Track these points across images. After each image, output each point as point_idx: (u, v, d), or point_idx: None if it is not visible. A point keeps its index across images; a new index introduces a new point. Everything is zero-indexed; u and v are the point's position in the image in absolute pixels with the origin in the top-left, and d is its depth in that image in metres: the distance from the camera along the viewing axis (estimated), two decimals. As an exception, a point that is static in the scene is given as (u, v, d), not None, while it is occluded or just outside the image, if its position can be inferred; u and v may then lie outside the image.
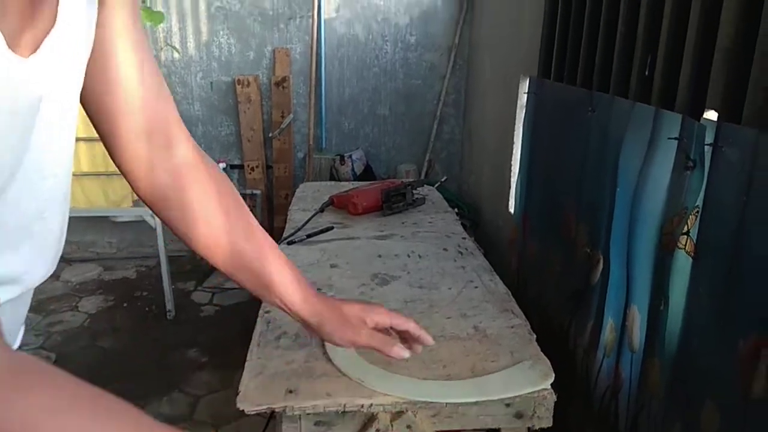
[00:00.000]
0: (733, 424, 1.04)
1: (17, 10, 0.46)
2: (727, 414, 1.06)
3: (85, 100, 0.63)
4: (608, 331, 1.52)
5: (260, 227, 0.75)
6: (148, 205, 0.70)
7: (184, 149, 0.69)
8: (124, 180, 2.00)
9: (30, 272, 0.58)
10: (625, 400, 1.42)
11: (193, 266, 3.08)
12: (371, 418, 0.77)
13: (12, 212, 0.52)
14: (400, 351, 0.75)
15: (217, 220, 0.69)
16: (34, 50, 0.49)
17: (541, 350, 0.83)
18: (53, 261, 0.62)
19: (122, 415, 0.45)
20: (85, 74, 0.59)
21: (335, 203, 1.67)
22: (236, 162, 3.16)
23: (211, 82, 3.05)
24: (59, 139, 0.56)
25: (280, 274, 0.73)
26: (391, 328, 0.79)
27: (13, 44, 0.46)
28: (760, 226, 0.99)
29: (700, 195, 1.15)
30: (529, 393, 0.81)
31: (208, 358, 2.31)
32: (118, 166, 0.67)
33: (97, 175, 2.45)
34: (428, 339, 0.79)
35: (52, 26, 0.51)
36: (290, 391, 0.81)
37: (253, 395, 0.81)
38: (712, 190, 1.11)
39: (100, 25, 0.59)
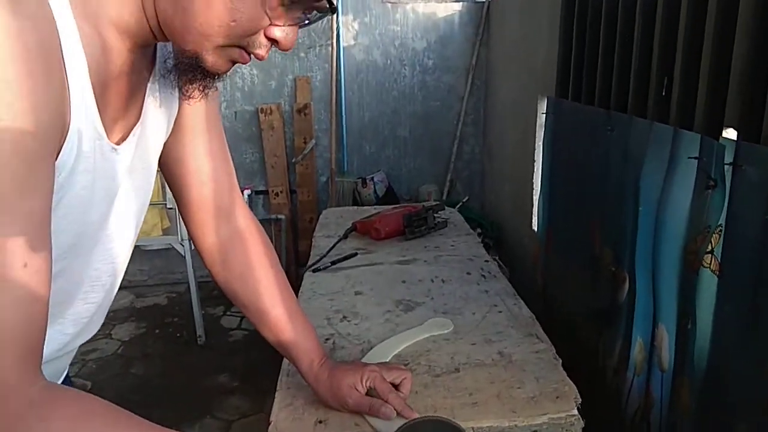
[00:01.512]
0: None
1: (115, 106, 0.57)
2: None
3: (163, 169, 0.75)
4: (637, 350, 1.51)
5: (291, 292, 0.86)
6: (205, 263, 0.83)
7: (242, 216, 0.83)
8: (154, 210, 2.13)
9: (81, 335, 0.68)
10: (657, 421, 1.41)
11: (221, 291, 3.13)
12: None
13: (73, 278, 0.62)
14: (387, 412, 0.80)
15: (252, 285, 0.82)
16: (123, 139, 0.60)
17: (570, 370, 0.84)
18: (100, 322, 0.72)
19: None
20: (165, 148, 0.71)
21: (358, 229, 1.70)
22: (261, 188, 3.22)
23: (236, 112, 3.13)
24: (126, 222, 0.67)
25: (296, 340, 0.83)
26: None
27: (108, 133, 0.56)
28: (784, 245, 0.99)
29: (722, 213, 1.15)
30: (555, 419, 0.81)
31: (238, 382, 2.34)
32: (188, 227, 0.81)
33: (128, 206, 2.53)
34: (405, 392, 0.85)
35: (138, 120, 0.62)
36: (320, 422, 0.83)
37: (283, 425, 0.84)
38: (735, 209, 1.11)
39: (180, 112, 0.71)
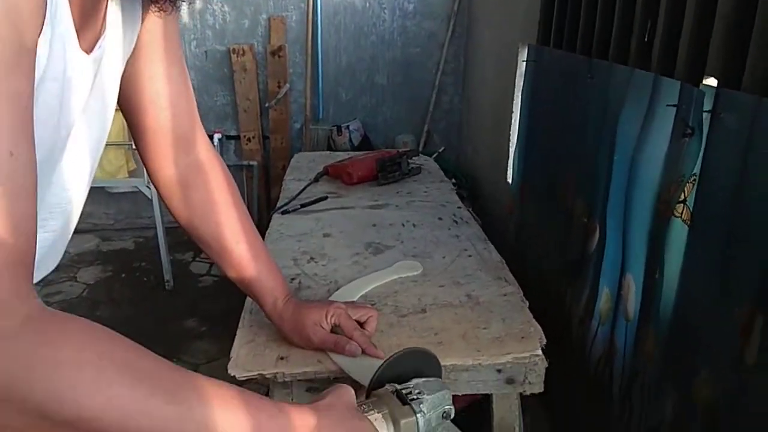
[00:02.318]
0: (726, 392, 1.05)
1: (78, 13, 0.52)
2: (720, 381, 1.07)
3: (119, 95, 0.69)
4: (603, 300, 1.52)
5: (254, 228, 0.82)
6: (162, 197, 0.79)
7: (203, 149, 0.78)
8: (119, 150, 2.05)
9: (40, 268, 0.63)
10: (620, 368, 1.43)
11: (183, 230, 3.08)
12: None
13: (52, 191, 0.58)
14: (353, 349, 0.78)
15: (214, 220, 0.77)
16: (92, 49, 0.55)
17: (536, 318, 0.83)
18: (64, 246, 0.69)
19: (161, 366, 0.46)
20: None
21: (330, 173, 1.65)
22: (232, 133, 3.13)
23: (206, 51, 3.00)
24: (87, 146, 0.63)
25: (260, 277, 0.80)
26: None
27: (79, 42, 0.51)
28: (757, 194, 0.98)
29: (697, 162, 1.14)
30: (520, 358, 0.81)
31: (206, 327, 2.32)
32: (142, 157, 0.76)
33: (92, 145, 2.43)
34: (370, 330, 0.84)
35: (101, 33, 0.57)
36: (281, 358, 0.81)
37: (244, 362, 0.81)
38: (710, 157, 1.10)
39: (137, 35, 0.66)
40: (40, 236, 0.61)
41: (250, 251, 0.80)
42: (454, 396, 1.57)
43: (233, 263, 0.79)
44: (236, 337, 0.87)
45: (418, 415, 0.59)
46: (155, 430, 0.42)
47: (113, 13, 0.59)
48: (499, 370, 0.81)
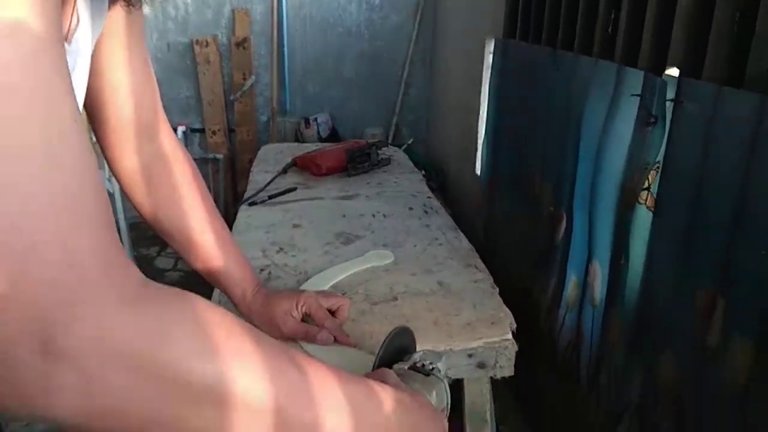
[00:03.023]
0: (689, 372, 1.08)
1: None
2: (684, 362, 1.10)
3: None
4: (571, 288, 1.55)
5: (221, 218, 0.80)
6: (124, 189, 0.76)
7: (167, 138, 0.76)
8: None
9: None
10: (587, 353, 1.46)
11: (154, 232, 3.01)
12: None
13: None
14: (324, 337, 0.77)
15: (178, 209, 0.75)
16: (69, 42, 0.53)
17: (508, 304, 0.84)
18: None
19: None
20: None
21: (298, 164, 1.64)
22: (197, 126, 3.07)
23: (168, 44, 2.93)
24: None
25: (227, 268, 0.78)
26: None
27: None
28: (717, 180, 1.01)
29: (661, 150, 1.16)
30: (490, 343, 0.81)
31: (172, 324, 2.28)
32: (103, 149, 0.72)
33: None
34: (342, 318, 0.83)
35: (74, 23, 0.54)
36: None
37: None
38: (673, 145, 1.13)
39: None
40: None
41: (217, 242, 0.77)
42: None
43: (199, 255, 0.77)
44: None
45: (445, 381, 0.61)
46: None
47: (82, 6, 0.57)
48: (470, 355, 0.81)
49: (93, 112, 0.70)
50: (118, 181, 0.76)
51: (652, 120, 1.18)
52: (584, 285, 1.47)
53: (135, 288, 0.32)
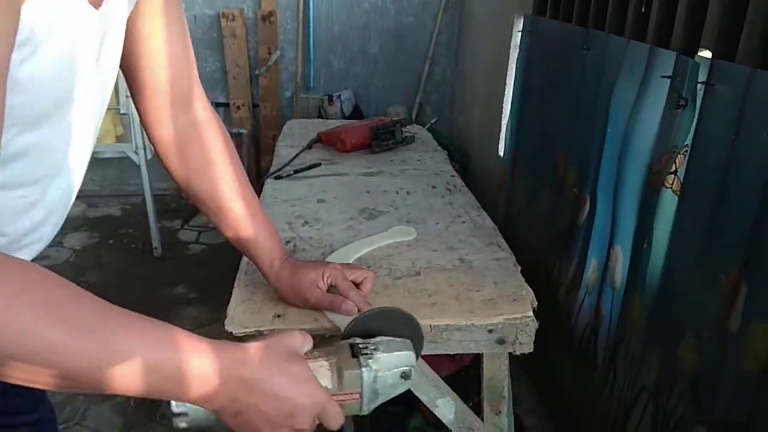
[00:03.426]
0: (709, 357, 1.08)
1: None
2: (703, 346, 1.10)
3: None
4: (591, 271, 1.55)
5: (251, 189, 0.82)
6: (159, 155, 0.78)
7: (201, 107, 0.78)
8: (107, 115, 2.01)
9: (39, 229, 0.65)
10: (605, 336, 1.47)
11: (178, 205, 3.06)
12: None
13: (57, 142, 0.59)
14: (349, 308, 0.78)
15: (211, 178, 0.77)
16: (99, 4, 0.56)
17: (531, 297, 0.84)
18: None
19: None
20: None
21: (323, 140, 1.65)
22: (221, 100, 3.09)
23: (195, 15, 2.95)
24: (106, 88, 0.65)
25: (257, 237, 0.80)
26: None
27: None
28: (746, 164, 1.00)
29: (689, 134, 1.15)
30: (511, 319, 0.82)
31: (195, 294, 2.33)
32: (140, 115, 0.75)
33: (79, 109, 2.39)
34: (366, 290, 0.84)
35: None
36: (278, 316, 0.82)
37: (241, 318, 0.82)
38: (702, 129, 1.11)
39: None
40: (50, 192, 0.62)
41: (247, 210, 0.79)
42: (445, 356, 1.59)
43: (229, 223, 0.79)
44: (232, 295, 0.88)
45: (364, 369, 0.59)
46: (75, 366, 0.44)
47: None
48: (490, 331, 0.83)
49: (131, 78, 0.73)
50: (155, 148, 0.78)
51: (683, 102, 1.17)
52: (605, 268, 1.47)
53: None
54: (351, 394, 0.59)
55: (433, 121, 2.39)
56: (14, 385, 0.83)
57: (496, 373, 0.89)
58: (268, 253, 0.81)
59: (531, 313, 0.83)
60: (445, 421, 0.88)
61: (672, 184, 1.20)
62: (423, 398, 0.86)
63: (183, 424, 0.56)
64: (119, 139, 2.56)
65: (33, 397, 0.86)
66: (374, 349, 0.61)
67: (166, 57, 0.71)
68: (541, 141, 1.90)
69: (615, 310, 1.42)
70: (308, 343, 0.61)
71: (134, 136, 2.46)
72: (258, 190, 1.36)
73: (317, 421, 0.58)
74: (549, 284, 1.77)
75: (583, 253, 1.58)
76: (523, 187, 2.06)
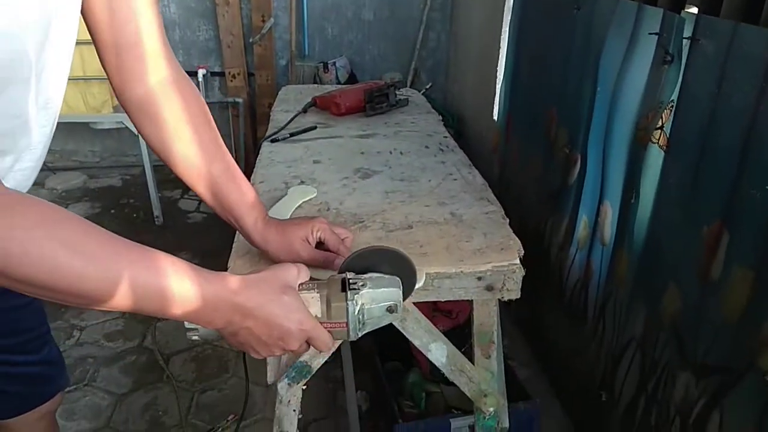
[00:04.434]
0: (691, 304, 1.12)
1: None
2: (687, 295, 1.15)
3: (84, 8, 0.68)
4: (582, 228, 1.59)
5: (226, 150, 0.80)
6: (133, 120, 0.76)
7: (171, 68, 0.75)
8: (103, 85, 2.05)
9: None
10: (594, 290, 1.51)
11: (165, 163, 3.08)
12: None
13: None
14: (340, 263, 0.78)
15: (187, 139, 0.75)
16: None
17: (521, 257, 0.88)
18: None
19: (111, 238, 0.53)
20: None
21: (318, 104, 1.67)
22: (216, 69, 3.09)
23: (188, -17, 2.92)
24: (66, 47, 0.65)
25: (238, 198, 0.79)
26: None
27: None
28: (729, 118, 1.03)
29: (676, 89, 1.17)
30: (499, 267, 0.86)
31: (197, 261, 2.32)
32: (110, 77, 0.73)
33: (75, 79, 2.39)
34: (348, 247, 0.85)
35: None
36: (276, 266, 0.85)
37: (241, 269, 0.86)
38: (688, 84, 1.14)
39: None
40: (39, 132, 0.65)
41: (226, 173, 0.77)
42: (441, 314, 1.64)
43: (209, 187, 0.77)
44: (232, 249, 0.91)
45: (349, 302, 0.64)
46: (94, 293, 0.50)
47: None
48: (479, 278, 0.86)
49: (97, 37, 0.70)
50: (127, 112, 0.75)
51: (669, 58, 1.19)
52: (595, 225, 1.51)
53: None
54: (338, 323, 0.64)
55: (428, 86, 2.40)
56: (22, 326, 0.88)
57: (485, 319, 0.93)
58: (250, 212, 0.80)
59: (518, 261, 0.87)
60: (438, 364, 0.93)
61: (659, 139, 1.23)
62: (416, 342, 0.90)
63: (195, 337, 0.65)
64: (116, 109, 2.57)
65: (39, 338, 0.92)
66: (362, 285, 0.65)
67: (132, 12, 0.69)
68: (534, 103, 1.92)
69: (604, 265, 1.47)
70: (304, 276, 0.65)
71: (114, 92, 2.46)
72: (254, 154, 1.39)
73: (308, 345, 0.64)
74: (542, 244, 1.81)
75: (575, 210, 1.62)
76: (517, 150, 2.09)
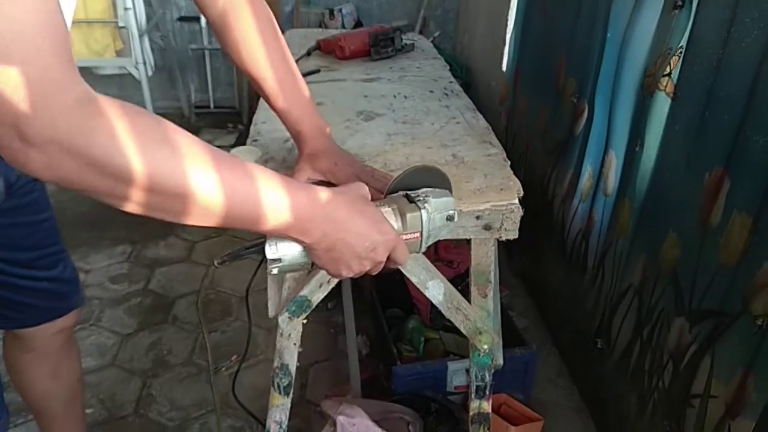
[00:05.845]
0: (690, 252, 1.13)
1: None
2: (686, 243, 1.15)
3: None
4: (586, 179, 1.58)
5: (292, 60, 0.86)
6: (215, 34, 0.83)
7: None
8: (106, 29, 2.04)
9: None
10: (595, 241, 1.52)
11: (181, 123, 3.07)
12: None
13: None
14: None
15: (257, 45, 0.82)
16: None
17: (520, 203, 0.87)
18: None
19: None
20: None
21: (322, 48, 1.64)
22: (222, 15, 3.03)
23: (192, -76, 2.84)
24: None
25: (298, 100, 0.87)
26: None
27: None
28: (738, 63, 1.01)
29: (685, 35, 1.15)
30: (497, 206, 0.86)
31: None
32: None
33: (78, 23, 2.36)
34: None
35: None
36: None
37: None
38: (697, 29, 1.11)
39: None
40: None
41: (293, 79, 0.85)
42: (443, 263, 1.65)
43: (271, 92, 0.84)
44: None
45: (422, 211, 0.66)
46: (199, 196, 0.50)
47: None
48: (478, 217, 0.87)
49: None
50: (214, 32, 0.83)
51: (680, 3, 1.16)
52: (599, 176, 1.50)
53: (87, 93, 0.43)
54: (413, 233, 0.66)
55: (436, 35, 2.35)
56: (33, 243, 0.91)
57: (482, 258, 0.94)
58: (314, 120, 0.87)
59: (516, 201, 0.87)
60: (434, 301, 0.94)
61: (666, 87, 1.21)
62: (414, 279, 0.92)
63: (275, 271, 0.63)
64: (119, 53, 2.55)
65: (52, 255, 0.96)
66: (426, 196, 0.67)
67: None
68: (543, 53, 1.88)
69: (606, 216, 1.47)
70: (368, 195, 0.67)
71: (134, 51, 2.44)
72: (258, 99, 1.38)
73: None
74: (545, 196, 1.81)
75: (579, 161, 1.61)
76: (525, 101, 2.06)
